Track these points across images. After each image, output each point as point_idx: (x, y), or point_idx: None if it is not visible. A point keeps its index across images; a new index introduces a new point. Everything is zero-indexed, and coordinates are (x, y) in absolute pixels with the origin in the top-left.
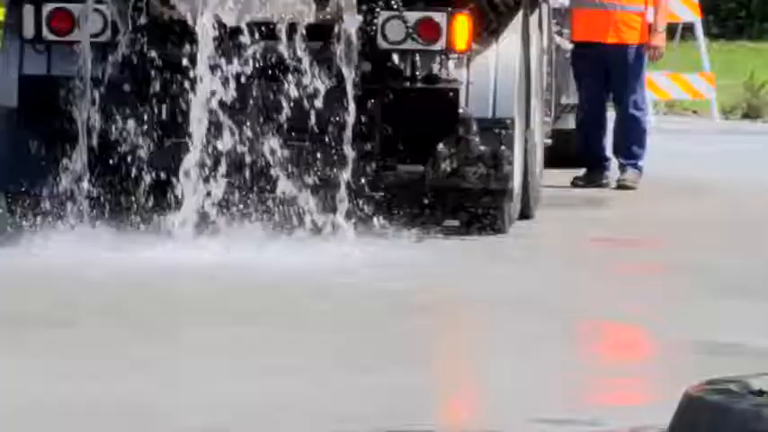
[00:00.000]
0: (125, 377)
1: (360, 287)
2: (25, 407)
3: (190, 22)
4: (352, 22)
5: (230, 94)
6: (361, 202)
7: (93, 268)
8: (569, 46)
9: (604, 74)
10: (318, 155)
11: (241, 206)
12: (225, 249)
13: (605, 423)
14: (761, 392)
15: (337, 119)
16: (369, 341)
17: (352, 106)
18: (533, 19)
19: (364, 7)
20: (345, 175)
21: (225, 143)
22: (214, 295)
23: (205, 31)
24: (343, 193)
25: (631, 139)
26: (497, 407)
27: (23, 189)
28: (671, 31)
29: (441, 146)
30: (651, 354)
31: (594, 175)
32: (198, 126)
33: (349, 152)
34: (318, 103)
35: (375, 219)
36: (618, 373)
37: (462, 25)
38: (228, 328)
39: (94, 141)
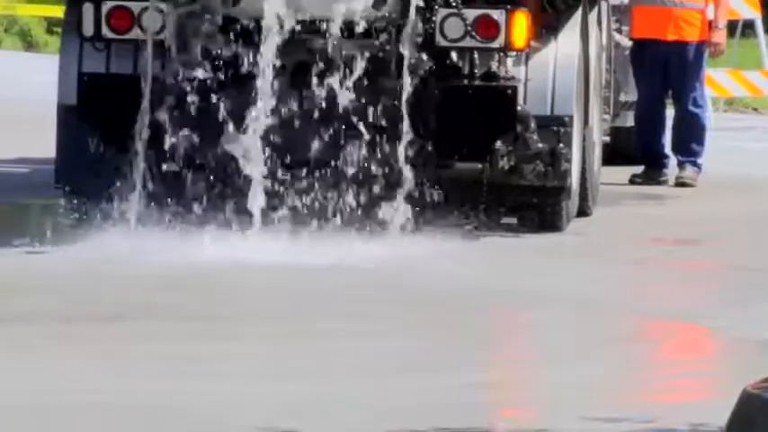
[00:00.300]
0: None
1: (417, 284)
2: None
3: (251, 20)
4: (409, 20)
5: (289, 91)
6: (418, 199)
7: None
8: (628, 43)
9: (664, 71)
10: (376, 152)
11: (292, 203)
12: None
13: (664, 420)
14: None
15: (395, 116)
16: (428, 340)
17: (409, 103)
18: (592, 16)
19: (423, 4)
20: (403, 173)
21: (283, 139)
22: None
23: (267, 28)
24: (400, 190)
25: (690, 137)
26: (554, 402)
27: (82, 187)
28: (731, 27)
29: (499, 143)
30: (710, 351)
31: (653, 173)
32: (257, 123)
33: (406, 149)
34: (377, 99)
35: (432, 216)
36: (677, 371)
37: (521, 22)
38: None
39: (153, 140)
